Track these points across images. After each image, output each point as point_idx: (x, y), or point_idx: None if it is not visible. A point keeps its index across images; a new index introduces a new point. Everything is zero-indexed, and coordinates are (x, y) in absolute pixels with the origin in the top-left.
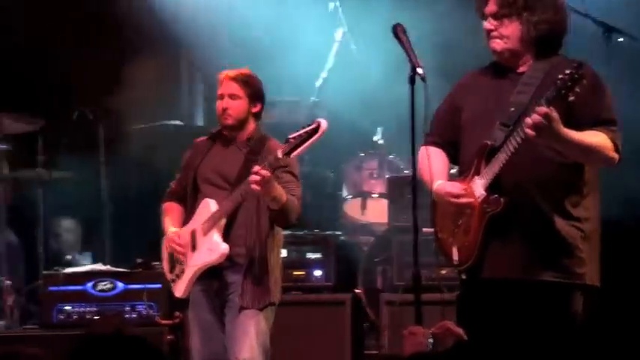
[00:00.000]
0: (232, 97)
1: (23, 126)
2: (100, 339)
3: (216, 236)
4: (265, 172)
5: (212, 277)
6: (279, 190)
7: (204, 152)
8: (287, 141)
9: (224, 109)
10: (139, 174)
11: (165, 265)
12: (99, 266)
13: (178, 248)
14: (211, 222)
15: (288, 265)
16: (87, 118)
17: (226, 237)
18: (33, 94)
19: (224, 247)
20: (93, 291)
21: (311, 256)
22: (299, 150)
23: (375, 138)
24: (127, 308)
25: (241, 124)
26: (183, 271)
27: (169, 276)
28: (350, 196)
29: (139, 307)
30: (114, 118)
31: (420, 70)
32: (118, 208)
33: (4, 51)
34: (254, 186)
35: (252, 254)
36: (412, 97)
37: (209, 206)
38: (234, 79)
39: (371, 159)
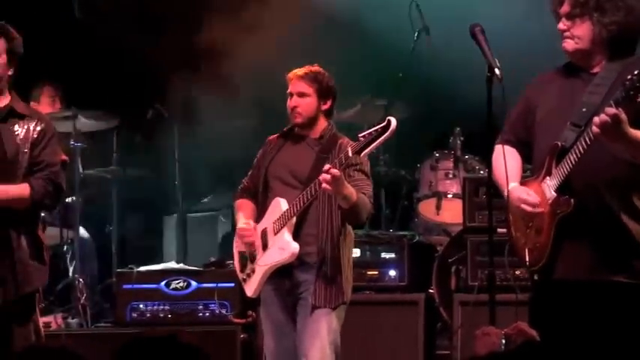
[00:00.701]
0: (301, 95)
1: (98, 124)
2: (152, 340)
3: (286, 235)
4: (335, 172)
5: (283, 276)
6: (350, 189)
7: (275, 150)
8: (357, 139)
9: (293, 108)
10: (212, 172)
11: (237, 264)
12: (172, 264)
13: (247, 239)
14: (282, 221)
15: (362, 264)
16: (162, 116)
17: (297, 236)
18: (108, 92)
19: (294, 247)
20: (166, 289)
21: (385, 255)
22: (369, 148)
23: (450, 138)
24: (200, 307)
25: (311, 121)
26: (254, 271)
27: (240, 275)
28: (425, 196)
29: (212, 305)
30: (188, 116)
31: (497, 71)
32: (191, 206)
33: (81, 49)
34: (324, 185)
35: (323, 253)
36: (489, 98)
37: (280, 205)
38: (303, 77)
39: (446, 159)
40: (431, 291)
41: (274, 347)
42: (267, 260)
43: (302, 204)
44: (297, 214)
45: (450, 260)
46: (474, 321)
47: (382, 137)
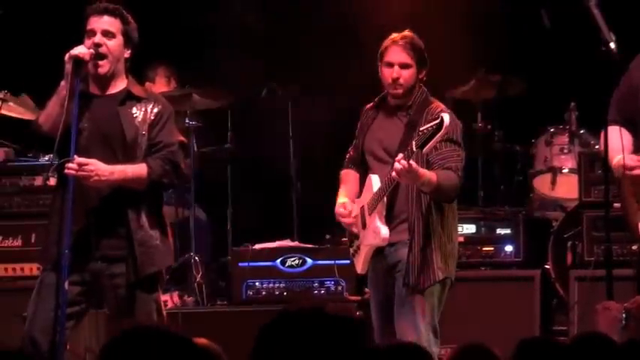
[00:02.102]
0: (404, 66)
1: (213, 102)
2: (300, 315)
3: (377, 220)
4: (404, 164)
5: (381, 255)
6: (426, 176)
7: (369, 122)
8: (418, 134)
9: (395, 80)
10: (328, 150)
11: (347, 238)
12: (287, 242)
13: (344, 219)
14: (374, 202)
15: (478, 240)
16: (276, 94)
17: (390, 216)
18: (222, 70)
19: (384, 233)
20: (282, 267)
21: (500, 231)
22: (430, 144)
23: (565, 113)
24: (316, 284)
25: (410, 92)
26: (359, 247)
27: (351, 250)
28: (540, 172)
29: (328, 282)
30: (304, 94)
31: (612, 45)
32: (306, 184)
33: (193, 28)
34: (393, 174)
35: (414, 232)
36: (606, 73)
37: (372, 183)
38: (404, 46)
39: (561, 134)
40: (547, 267)
41: (379, 325)
42: (366, 241)
43: (388, 186)
44: (386, 194)
45: (565, 236)
46: (590, 297)
47: (438, 135)
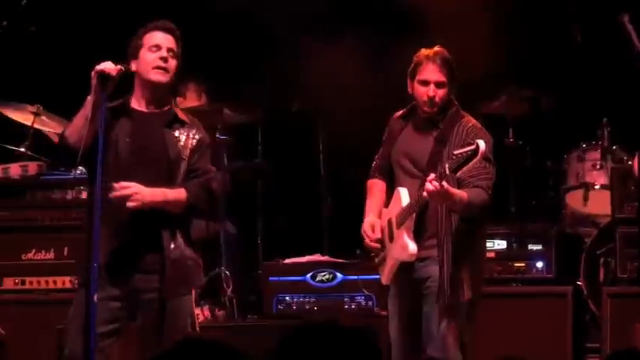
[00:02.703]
0: (440, 85)
1: (243, 117)
2: (314, 328)
3: (406, 236)
4: (436, 185)
5: (408, 269)
6: (457, 195)
7: (397, 132)
8: (451, 157)
9: (431, 98)
10: (358, 164)
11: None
12: (318, 257)
13: (369, 243)
14: (403, 217)
15: (509, 256)
16: (306, 110)
17: (419, 231)
18: (253, 85)
19: (412, 249)
20: (312, 282)
21: (532, 247)
22: (463, 170)
23: (598, 128)
24: (346, 299)
25: (442, 109)
26: (384, 259)
27: (376, 260)
28: (572, 187)
29: (358, 298)
30: (334, 110)
31: None
32: (337, 199)
33: (223, 44)
34: (425, 194)
35: (443, 249)
36: (637, 87)
37: (401, 198)
38: (440, 64)
39: (594, 150)
40: (579, 283)
41: (399, 339)
42: (393, 254)
43: (418, 203)
44: (416, 211)
45: (598, 252)
46: (623, 313)
47: (473, 161)
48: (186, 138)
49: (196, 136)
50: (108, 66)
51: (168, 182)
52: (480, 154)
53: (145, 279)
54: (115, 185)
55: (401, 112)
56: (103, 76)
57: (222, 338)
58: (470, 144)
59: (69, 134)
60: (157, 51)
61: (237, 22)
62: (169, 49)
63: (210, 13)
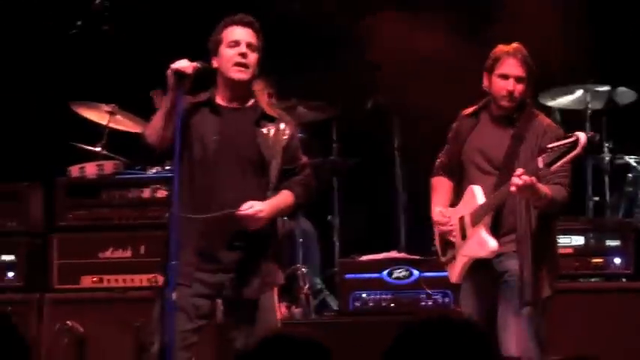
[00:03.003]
0: (520, 79)
1: (318, 114)
2: (427, 324)
3: (484, 233)
4: (526, 179)
5: (484, 266)
6: (543, 190)
7: (469, 129)
8: (546, 150)
9: (510, 93)
10: (434, 161)
11: (438, 247)
12: (394, 253)
13: (444, 228)
14: (479, 215)
15: (587, 252)
16: (381, 106)
17: (496, 226)
18: (326, 82)
19: (492, 245)
20: (389, 279)
21: (610, 243)
22: (560, 163)
23: None
24: (423, 296)
25: (519, 106)
26: (454, 257)
27: (442, 259)
28: None
29: (435, 295)
30: (409, 105)
31: None
32: (412, 195)
33: (294, 41)
34: (513, 189)
35: (522, 244)
36: None
37: (476, 196)
38: (521, 60)
39: None
40: None
41: None
42: (467, 252)
43: (497, 202)
44: (494, 210)
45: None
46: None
47: (571, 155)
48: (275, 133)
49: (287, 131)
50: (183, 64)
51: (258, 180)
52: (580, 146)
53: (230, 277)
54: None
55: (471, 109)
56: (179, 74)
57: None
58: (568, 137)
59: (149, 134)
60: (235, 47)
61: (308, 17)
62: (249, 44)
63: (279, 10)
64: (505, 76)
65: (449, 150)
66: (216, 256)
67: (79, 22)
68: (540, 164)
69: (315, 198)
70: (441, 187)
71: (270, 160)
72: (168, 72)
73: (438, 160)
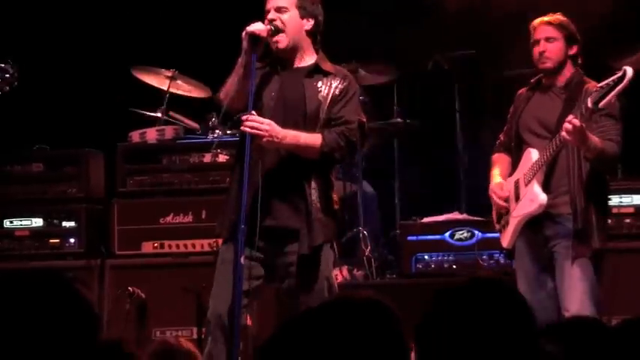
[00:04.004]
0: (548, 39)
1: (379, 77)
2: (457, 289)
3: (535, 186)
4: (576, 122)
5: (536, 228)
6: (593, 140)
7: (524, 102)
8: (596, 89)
9: (541, 53)
10: (495, 122)
11: (494, 215)
12: (456, 215)
13: (498, 201)
14: (532, 171)
15: None
16: (442, 68)
17: (548, 185)
18: (388, 45)
19: (542, 198)
20: (450, 240)
21: None
22: (607, 98)
23: None
24: (485, 257)
25: (559, 67)
26: (508, 222)
27: (497, 226)
28: None
29: (497, 255)
30: (469, 66)
31: None
32: (473, 156)
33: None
34: (563, 134)
35: (575, 202)
36: None
37: (531, 156)
38: (550, 22)
39: None
40: None
41: (528, 299)
42: (519, 212)
43: (549, 154)
44: (546, 163)
45: None
46: None
47: (618, 87)
48: (327, 88)
49: (340, 86)
50: (258, 27)
51: (309, 132)
52: (626, 79)
53: (283, 238)
54: (247, 116)
55: (526, 87)
56: (254, 37)
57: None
58: (615, 73)
59: (224, 96)
60: (267, 15)
61: None
62: (277, 8)
63: None
64: (537, 42)
65: (507, 129)
66: (268, 214)
67: None
68: (589, 104)
69: (352, 156)
70: (500, 162)
71: (316, 112)
72: (243, 35)
73: (499, 139)
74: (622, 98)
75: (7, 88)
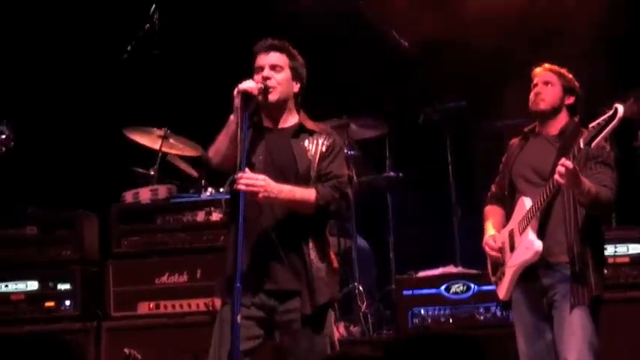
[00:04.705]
0: (546, 83)
1: (370, 131)
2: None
3: (530, 234)
4: (569, 164)
5: (533, 277)
6: (587, 184)
7: (518, 150)
8: (587, 130)
9: (537, 94)
10: (488, 174)
11: (489, 268)
12: (451, 268)
13: (492, 253)
14: (526, 220)
15: None
16: (433, 120)
17: (543, 233)
18: (379, 99)
19: (538, 245)
20: (446, 294)
21: None
22: (599, 137)
23: None
24: (481, 310)
25: (553, 112)
26: (504, 273)
27: (493, 278)
28: None
29: (493, 308)
30: (460, 118)
31: None
32: (466, 210)
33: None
34: (556, 177)
35: (572, 250)
36: None
37: (525, 204)
38: (550, 69)
39: None
40: None
41: (526, 350)
42: (515, 261)
43: (543, 199)
44: (540, 209)
45: None
46: None
47: (610, 126)
48: (315, 146)
49: (326, 142)
50: (250, 85)
51: None
52: (617, 117)
53: (283, 297)
54: (241, 174)
55: (518, 137)
56: (246, 95)
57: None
58: (605, 112)
59: (213, 155)
60: (260, 72)
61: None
62: (272, 66)
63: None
64: (535, 85)
65: (499, 180)
66: (266, 273)
67: (128, 47)
68: (582, 144)
69: (347, 209)
70: (492, 214)
71: (307, 170)
72: (235, 92)
73: (491, 190)
74: (616, 148)
75: (3, 149)
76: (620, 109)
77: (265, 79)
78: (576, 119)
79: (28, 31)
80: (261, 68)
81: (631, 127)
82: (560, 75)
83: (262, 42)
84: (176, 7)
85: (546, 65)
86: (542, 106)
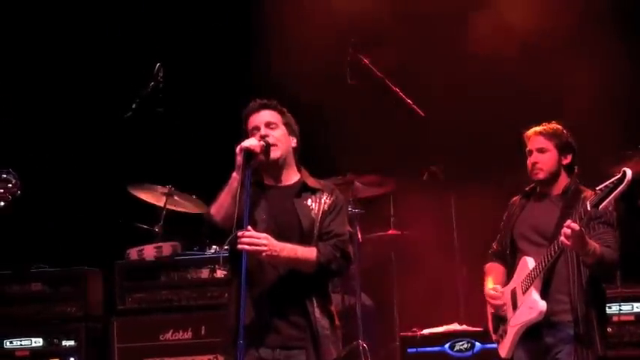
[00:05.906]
0: (540, 150)
1: (374, 189)
2: None
3: (534, 294)
4: (575, 226)
5: (536, 336)
6: (592, 244)
7: (519, 210)
8: (595, 193)
9: (534, 164)
10: (492, 233)
11: (490, 326)
12: (455, 326)
13: (494, 302)
14: (529, 279)
15: None
16: (437, 178)
17: (547, 293)
18: (383, 155)
19: (542, 305)
20: (451, 352)
21: None
22: (607, 201)
23: None
24: None
25: (553, 177)
26: (505, 332)
27: (494, 336)
28: None
29: None
30: (464, 174)
31: None
32: (471, 267)
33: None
34: (562, 239)
35: (576, 310)
36: None
37: (527, 264)
38: (541, 133)
39: None
40: None
41: None
42: (517, 320)
43: (547, 261)
44: (544, 270)
45: None
46: None
47: (618, 189)
48: (318, 205)
49: (328, 200)
50: (252, 143)
51: None
52: (626, 180)
53: (287, 353)
54: (243, 232)
55: (519, 195)
56: (248, 152)
57: None
58: (614, 174)
59: (215, 212)
60: (256, 132)
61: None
62: (267, 124)
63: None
64: (529, 152)
65: (500, 238)
66: (269, 331)
67: (133, 105)
68: (589, 207)
69: (347, 267)
70: (493, 271)
71: (310, 229)
72: (238, 150)
73: (492, 248)
74: (618, 206)
75: (10, 198)
76: (629, 173)
77: (263, 137)
78: (576, 173)
79: (35, 90)
80: (257, 128)
81: (635, 185)
82: (552, 137)
83: (252, 103)
84: (180, 65)
85: (537, 129)
86: (542, 175)
